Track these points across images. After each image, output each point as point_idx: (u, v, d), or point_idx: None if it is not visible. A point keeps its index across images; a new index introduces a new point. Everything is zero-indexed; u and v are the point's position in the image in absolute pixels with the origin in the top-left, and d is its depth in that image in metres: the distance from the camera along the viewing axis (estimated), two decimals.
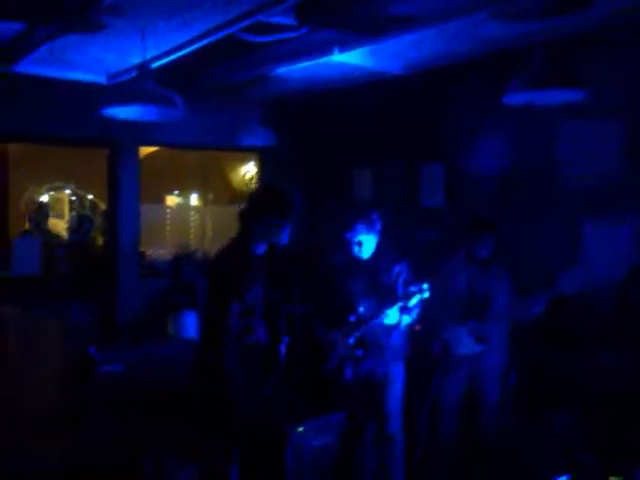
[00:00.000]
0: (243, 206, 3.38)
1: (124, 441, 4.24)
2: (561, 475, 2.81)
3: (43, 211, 6.65)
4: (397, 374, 3.91)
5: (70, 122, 5.55)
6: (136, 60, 4.25)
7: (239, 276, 3.21)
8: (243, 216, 3.33)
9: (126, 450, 4.21)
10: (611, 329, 3.81)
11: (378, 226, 3.86)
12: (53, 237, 6.45)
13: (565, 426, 3.88)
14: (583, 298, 3.78)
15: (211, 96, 5.70)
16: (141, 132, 5.81)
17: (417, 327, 4.31)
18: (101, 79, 5.15)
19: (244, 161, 7.68)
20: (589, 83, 3.48)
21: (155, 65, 4.26)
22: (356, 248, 3.86)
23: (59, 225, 7.00)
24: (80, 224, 6.68)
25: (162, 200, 8.29)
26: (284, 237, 3.28)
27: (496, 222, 4.22)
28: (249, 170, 7.70)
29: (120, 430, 4.26)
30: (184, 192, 8.53)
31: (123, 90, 3.83)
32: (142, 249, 6.45)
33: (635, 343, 3.62)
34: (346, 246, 3.92)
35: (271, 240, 3.27)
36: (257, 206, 3.31)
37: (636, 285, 3.79)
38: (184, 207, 8.41)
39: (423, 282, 3.71)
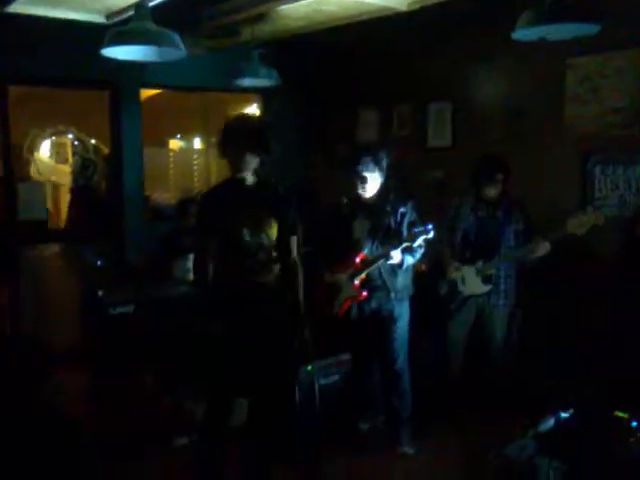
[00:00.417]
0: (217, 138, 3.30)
1: (140, 378, 4.35)
2: (565, 410, 2.85)
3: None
4: (402, 313, 3.93)
5: (68, 63, 5.45)
6: None
7: (225, 206, 3.18)
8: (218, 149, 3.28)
9: (143, 386, 4.32)
10: (618, 268, 3.81)
11: (384, 164, 3.81)
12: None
13: (571, 363, 3.93)
14: (592, 237, 3.76)
15: (212, 36, 5.58)
16: (141, 74, 5.72)
17: (423, 267, 4.33)
18: (99, 19, 5.03)
19: (247, 103, 7.57)
20: (603, 16, 3.37)
21: (154, 4, 4.15)
22: (360, 184, 3.82)
23: (63, 169, 6.97)
24: (83, 168, 6.65)
25: (165, 144, 8.22)
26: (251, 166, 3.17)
27: (505, 161, 4.17)
28: (252, 112, 7.59)
29: (135, 369, 4.35)
30: (187, 136, 8.44)
31: (121, 30, 3.73)
32: (146, 193, 6.44)
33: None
34: (350, 185, 3.88)
35: (242, 170, 3.17)
36: (224, 137, 3.23)
37: None
38: (187, 150, 8.33)
39: (428, 223, 3.69)
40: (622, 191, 4.27)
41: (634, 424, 2.64)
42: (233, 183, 3.26)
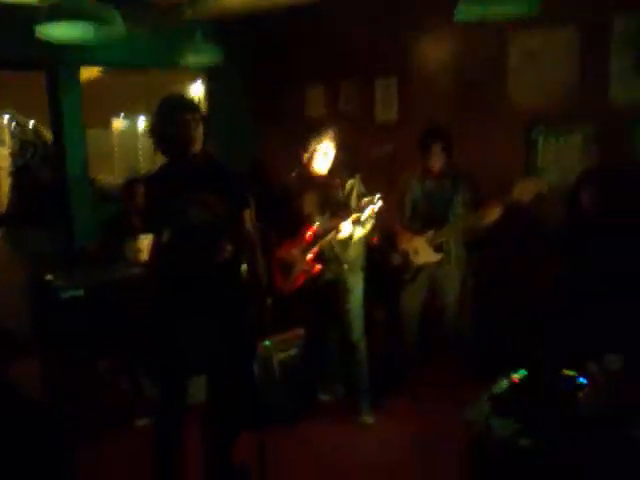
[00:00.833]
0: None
1: (97, 361, 4.30)
2: (517, 370, 2.96)
3: None
4: (357, 284, 3.99)
5: (1, 42, 5.24)
6: None
7: (170, 188, 3.14)
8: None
9: (101, 369, 4.27)
10: (563, 234, 3.94)
11: (337, 139, 3.86)
12: None
13: (521, 325, 4.07)
14: (537, 206, 3.88)
15: (152, 13, 5.46)
16: (80, 53, 5.56)
17: (375, 240, 4.38)
18: None
19: (191, 82, 7.44)
20: None
21: None
22: (321, 159, 3.84)
23: (1, 152, 6.73)
24: (22, 150, 6.44)
25: (108, 125, 8.02)
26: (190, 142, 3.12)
27: (448, 133, 4.23)
28: (196, 90, 7.49)
29: (90, 352, 4.29)
30: (130, 116, 8.25)
31: (57, 6, 3.58)
32: (92, 175, 6.29)
33: (586, 247, 3.76)
34: (303, 160, 3.89)
35: (188, 147, 3.12)
36: (162, 116, 3.16)
37: (586, 189, 3.90)
38: (131, 130, 8.15)
39: (376, 194, 3.74)
40: (564, 161, 4.41)
41: (582, 380, 2.77)
42: (177, 163, 3.19)
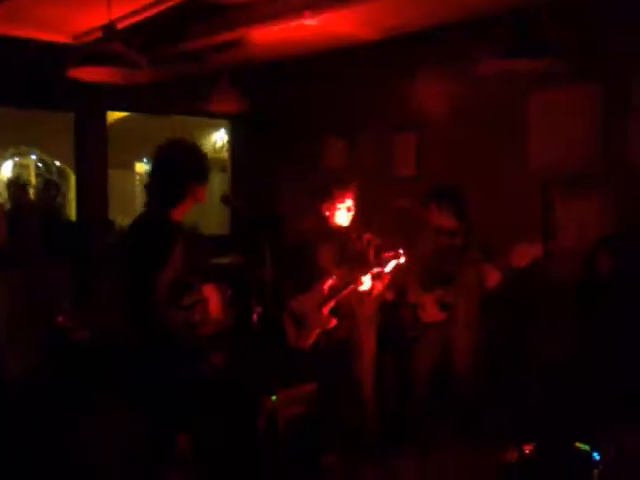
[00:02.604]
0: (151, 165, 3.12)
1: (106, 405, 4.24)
2: (528, 443, 2.85)
3: None
4: (369, 340, 3.92)
5: (34, 84, 5.38)
6: (102, 20, 4.11)
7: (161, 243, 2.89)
8: (155, 175, 3.06)
9: (110, 413, 4.21)
10: (574, 299, 3.85)
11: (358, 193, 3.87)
12: None
13: (531, 395, 3.94)
14: (542, 270, 3.79)
15: (181, 60, 5.57)
16: (108, 97, 5.67)
17: (388, 296, 4.33)
18: (66, 40, 4.99)
19: (215, 128, 7.56)
20: (563, 51, 3.45)
21: (122, 26, 4.13)
22: (344, 212, 3.82)
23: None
24: (47, 190, 6.53)
25: (131, 167, 8.13)
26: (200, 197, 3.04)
27: (458, 191, 4.19)
28: (220, 137, 7.60)
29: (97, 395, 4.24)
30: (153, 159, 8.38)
31: (88, 51, 3.70)
32: (112, 217, 6.34)
33: (599, 313, 3.67)
34: (323, 212, 3.87)
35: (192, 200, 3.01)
36: (171, 163, 3.00)
37: (602, 256, 3.82)
38: None
39: (398, 248, 3.70)
40: (582, 222, 4.33)
41: (596, 456, 2.65)
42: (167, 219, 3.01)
